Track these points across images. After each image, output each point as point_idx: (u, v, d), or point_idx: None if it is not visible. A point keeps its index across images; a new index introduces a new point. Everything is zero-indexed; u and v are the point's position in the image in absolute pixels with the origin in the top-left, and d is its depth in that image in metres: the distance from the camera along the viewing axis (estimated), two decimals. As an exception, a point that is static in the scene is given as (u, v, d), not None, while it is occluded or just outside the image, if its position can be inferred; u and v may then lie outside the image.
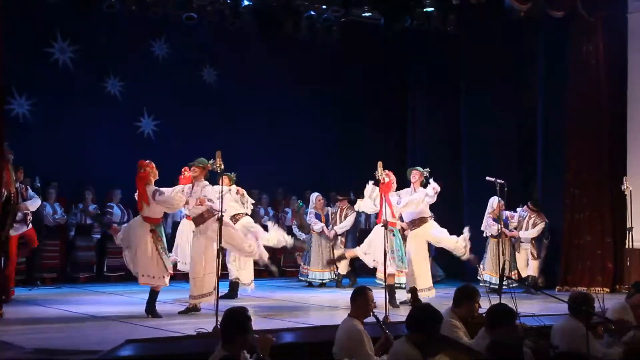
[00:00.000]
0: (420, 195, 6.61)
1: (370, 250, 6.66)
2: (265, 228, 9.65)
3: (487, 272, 7.99)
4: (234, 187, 7.00)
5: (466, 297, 4.09)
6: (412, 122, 10.68)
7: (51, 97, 8.88)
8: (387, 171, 6.46)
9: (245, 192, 7.03)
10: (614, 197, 8.11)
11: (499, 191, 7.23)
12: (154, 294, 5.87)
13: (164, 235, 6.04)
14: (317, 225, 8.60)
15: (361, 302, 3.92)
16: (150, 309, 5.81)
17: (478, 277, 7.84)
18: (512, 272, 8.12)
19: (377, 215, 7.13)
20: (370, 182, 6.58)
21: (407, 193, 6.71)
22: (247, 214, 7.03)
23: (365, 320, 3.96)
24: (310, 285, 8.68)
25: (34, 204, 6.83)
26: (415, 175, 6.72)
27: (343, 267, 8.55)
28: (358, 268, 8.68)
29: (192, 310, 5.97)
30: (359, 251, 6.94)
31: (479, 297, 4.15)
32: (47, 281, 8.31)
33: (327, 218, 8.77)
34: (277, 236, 6.89)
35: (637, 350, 4.08)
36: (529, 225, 8.13)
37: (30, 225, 6.90)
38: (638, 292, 4.75)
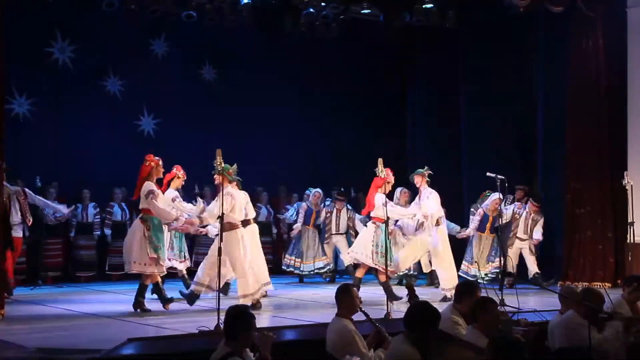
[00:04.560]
0: (409, 212, 6.78)
1: (356, 248, 6.80)
2: (267, 225, 9.72)
3: (469, 266, 8.01)
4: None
5: (467, 293, 4.09)
6: (411, 118, 10.66)
7: (51, 96, 8.89)
8: (387, 169, 6.54)
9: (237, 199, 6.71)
10: (614, 191, 8.10)
11: (499, 187, 7.23)
12: (142, 287, 5.92)
13: (161, 229, 6.08)
14: (289, 214, 8.76)
15: (346, 300, 3.91)
16: (138, 303, 5.85)
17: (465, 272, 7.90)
18: (490, 265, 8.07)
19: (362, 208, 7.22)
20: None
21: (415, 203, 6.83)
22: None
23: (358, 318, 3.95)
24: (299, 277, 8.72)
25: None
26: (417, 179, 6.84)
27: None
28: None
29: (256, 306, 5.95)
30: (350, 257, 7.02)
31: (479, 293, 4.15)
32: (49, 280, 8.32)
33: (317, 214, 8.77)
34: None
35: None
36: (528, 224, 8.08)
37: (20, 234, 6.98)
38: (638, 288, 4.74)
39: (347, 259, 7.67)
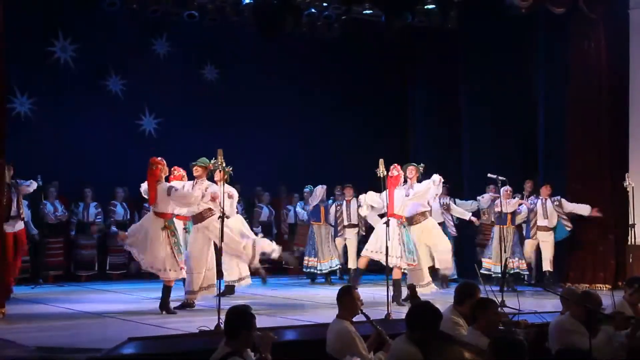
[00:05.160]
0: (426, 184, 6.67)
1: (378, 247, 6.61)
2: (268, 225, 9.73)
3: (491, 262, 7.97)
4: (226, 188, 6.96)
5: (467, 295, 4.07)
6: (412, 118, 10.68)
7: (52, 95, 8.90)
8: (395, 165, 6.55)
9: (235, 196, 6.72)
10: (615, 193, 8.10)
11: (500, 188, 7.24)
12: (167, 290, 5.91)
13: (177, 230, 6.14)
14: (319, 190, 8.58)
15: (347, 302, 3.90)
16: (165, 305, 5.87)
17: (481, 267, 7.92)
18: (520, 261, 8.07)
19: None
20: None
21: (406, 189, 6.73)
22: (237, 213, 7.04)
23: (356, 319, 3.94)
24: (315, 277, 8.69)
25: (32, 186, 7.00)
26: (411, 171, 6.79)
27: (359, 263, 8.62)
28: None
29: (187, 305, 6.01)
30: (370, 254, 6.85)
31: (479, 294, 4.14)
32: (50, 279, 8.33)
33: (326, 210, 8.79)
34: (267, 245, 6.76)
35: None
36: (547, 209, 8.03)
37: (22, 225, 6.94)
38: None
39: (361, 261, 7.49)
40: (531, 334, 3.95)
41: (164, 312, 5.84)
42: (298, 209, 9.19)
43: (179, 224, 6.57)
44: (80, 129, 8.93)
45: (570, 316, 4.09)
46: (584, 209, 8.02)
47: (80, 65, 9.06)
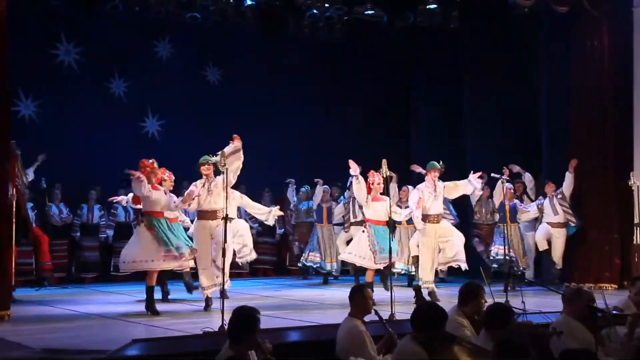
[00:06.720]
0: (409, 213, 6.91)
1: (354, 249, 6.92)
2: (272, 226, 9.74)
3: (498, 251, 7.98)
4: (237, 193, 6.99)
5: (472, 295, 4.05)
6: (415, 118, 10.68)
7: (56, 98, 8.93)
8: (372, 172, 6.72)
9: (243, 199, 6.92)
10: (620, 192, 8.06)
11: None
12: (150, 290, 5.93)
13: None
14: (318, 189, 8.69)
15: (359, 300, 3.90)
16: (150, 306, 5.87)
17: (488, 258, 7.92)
18: (524, 258, 8.10)
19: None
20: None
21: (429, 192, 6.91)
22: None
23: (367, 318, 3.94)
24: (312, 272, 8.74)
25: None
26: (435, 173, 6.94)
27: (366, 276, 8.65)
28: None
29: (208, 302, 5.99)
30: (346, 257, 7.14)
31: (484, 294, 4.13)
32: (55, 281, 8.35)
33: (329, 211, 8.80)
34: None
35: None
36: (554, 205, 8.01)
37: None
38: None
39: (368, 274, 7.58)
40: (538, 336, 3.93)
41: (149, 313, 5.83)
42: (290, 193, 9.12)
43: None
44: (83, 131, 8.96)
45: (567, 315, 4.06)
46: (570, 177, 7.99)
47: (84, 68, 9.10)
